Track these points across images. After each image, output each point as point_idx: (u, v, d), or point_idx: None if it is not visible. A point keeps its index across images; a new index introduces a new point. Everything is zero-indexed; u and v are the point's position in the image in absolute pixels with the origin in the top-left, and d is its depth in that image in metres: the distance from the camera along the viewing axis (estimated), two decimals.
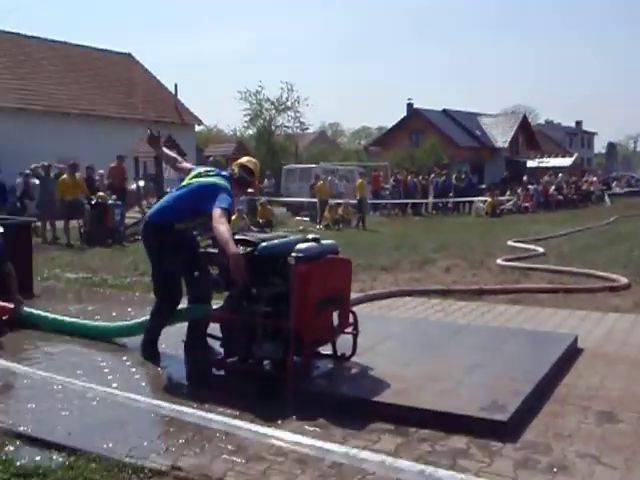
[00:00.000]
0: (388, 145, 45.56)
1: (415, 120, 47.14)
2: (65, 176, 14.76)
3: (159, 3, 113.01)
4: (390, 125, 52.40)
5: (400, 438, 3.74)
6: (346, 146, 64.79)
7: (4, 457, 3.49)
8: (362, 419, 3.97)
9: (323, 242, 4.64)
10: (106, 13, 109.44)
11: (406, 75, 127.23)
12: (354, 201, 21.25)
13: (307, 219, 22.40)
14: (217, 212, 4.58)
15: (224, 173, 5.17)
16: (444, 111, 49.52)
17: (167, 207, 5.08)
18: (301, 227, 18.98)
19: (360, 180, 21.65)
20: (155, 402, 2.69)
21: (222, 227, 4.47)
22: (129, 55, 36.69)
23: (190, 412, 2.54)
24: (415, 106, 48.73)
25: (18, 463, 3.42)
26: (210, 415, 2.50)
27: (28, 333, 6.13)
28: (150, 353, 5.24)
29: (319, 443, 2.21)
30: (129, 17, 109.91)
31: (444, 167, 33.04)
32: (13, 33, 30.62)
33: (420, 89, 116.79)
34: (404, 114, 49.44)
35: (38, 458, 3.50)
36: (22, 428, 3.84)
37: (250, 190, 5.76)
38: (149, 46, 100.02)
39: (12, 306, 6.39)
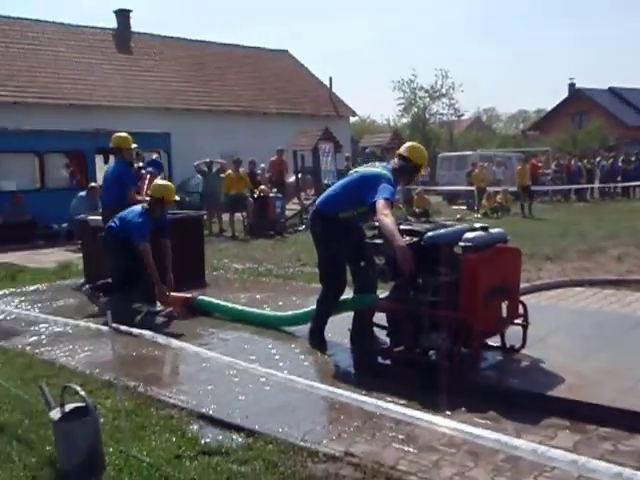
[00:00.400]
0: (548, 129, 43.44)
1: (578, 101, 44.59)
2: (230, 171, 15.47)
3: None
4: (550, 107, 50.09)
5: (578, 435, 3.57)
6: (503, 131, 62.55)
7: (190, 435, 3.74)
8: (535, 414, 3.84)
9: (491, 231, 4.52)
10: (263, 12, 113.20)
11: (567, 54, 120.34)
12: (513, 188, 20.48)
13: (464, 207, 21.93)
14: (380, 203, 4.61)
15: (386, 164, 5.19)
16: (610, 89, 46.42)
17: (332, 196, 5.23)
18: (458, 216, 18.60)
19: (520, 166, 20.78)
20: (330, 389, 2.74)
21: (387, 219, 4.50)
22: (285, 52, 37.77)
23: (365, 400, 2.57)
24: (577, 86, 46.09)
25: (202, 441, 3.65)
26: (383, 403, 2.50)
27: (201, 320, 6.51)
28: (317, 341, 5.38)
29: (496, 435, 2.14)
30: (284, 14, 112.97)
31: (611, 149, 30.97)
32: (180, 38, 32.61)
33: (582, 68, 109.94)
34: (565, 95, 46.96)
35: (220, 437, 3.72)
36: (204, 409, 4.10)
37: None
38: (304, 41, 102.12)
39: (190, 296, 6.83)
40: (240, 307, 6.53)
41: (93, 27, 29.73)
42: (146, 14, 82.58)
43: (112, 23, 30.68)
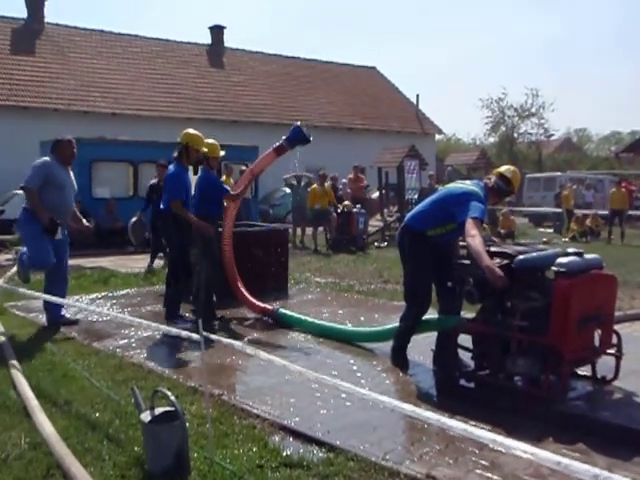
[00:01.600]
0: None
1: None
2: (315, 186, 15.63)
3: (399, 16, 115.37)
4: None
5: None
6: (594, 153, 60.58)
7: (272, 446, 3.78)
8: (627, 449, 3.68)
9: (586, 256, 4.38)
10: (353, 31, 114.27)
11: None
12: (604, 212, 19.74)
13: (550, 230, 21.32)
14: (469, 223, 4.56)
15: (478, 181, 5.14)
16: None
17: (421, 212, 5.23)
18: (544, 239, 18.10)
19: (614, 189, 19.95)
20: (415, 409, 2.71)
21: (474, 240, 4.43)
22: (373, 69, 37.97)
23: (450, 423, 2.53)
24: None
25: (284, 453, 3.68)
26: (469, 427, 2.46)
27: (282, 332, 6.59)
28: (399, 359, 5.35)
29: (588, 467, 2.06)
30: (374, 33, 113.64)
31: None
32: (271, 54, 33.32)
33: None
34: None
35: (301, 451, 3.74)
36: (286, 421, 4.14)
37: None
38: (393, 59, 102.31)
39: (271, 307, 6.93)
40: (319, 322, 6.56)
41: (188, 43, 30.78)
42: (240, 30, 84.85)
43: (207, 39, 31.72)
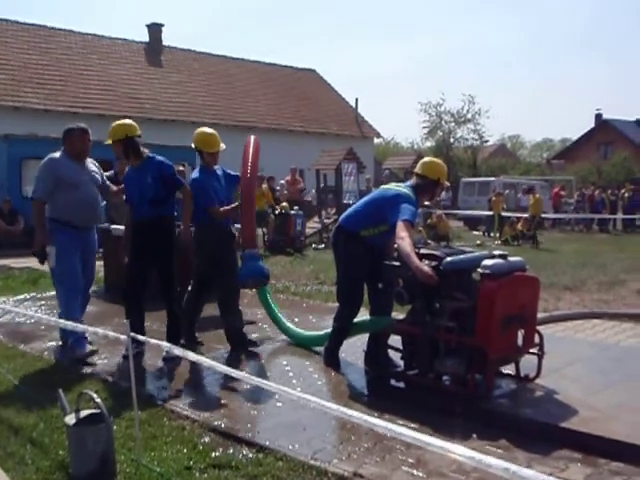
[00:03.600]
0: (573, 158, 43.31)
1: (604, 131, 44.47)
2: None
3: (341, 20, 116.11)
4: (575, 137, 50.01)
5: (590, 469, 3.54)
6: (527, 159, 62.39)
7: (201, 447, 3.77)
8: (547, 445, 3.81)
9: (510, 259, 4.52)
10: (292, 31, 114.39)
11: (594, 84, 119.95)
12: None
13: (484, 233, 21.86)
14: (399, 226, 4.64)
15: (409, 183, 5.22)
16: (638, 121, 46.22)
17: (354, 213, 5.30)
18: (478, 242, 18.56)
19: (532, 195, 20.42)
20: (342, 409, 2.75)
21: (404, 241, 4.52)
22: (313, 71, 38.10)
23: (376, 422, 2.58)
24: (604, 117, 45.92)
25: (213, 454, 3.68)
26: (394, 426, 2.51)
27: (217, 333, 6.53)
28: (332, 360, 5.40)
29: (507, 465, 2.14)
30: (314, 35, 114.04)
31: (637, 182, 30.72)
32: (210, 54, 33.04)
33: (610, 98, 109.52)
34: (591, 125, 46.84)
35: (230, 451, 3.74)
36: (216, 422, 4.13)
37: (426, 203, 5.67)
38: (332, 62, 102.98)
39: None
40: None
41: (125, 40, 30.22)
42: (179, 29, 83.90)
43: (145, 37, 31.20)
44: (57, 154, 5.65)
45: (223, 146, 6.10)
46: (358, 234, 5.13)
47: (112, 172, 8.79)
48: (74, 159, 5.64)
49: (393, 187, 5.20)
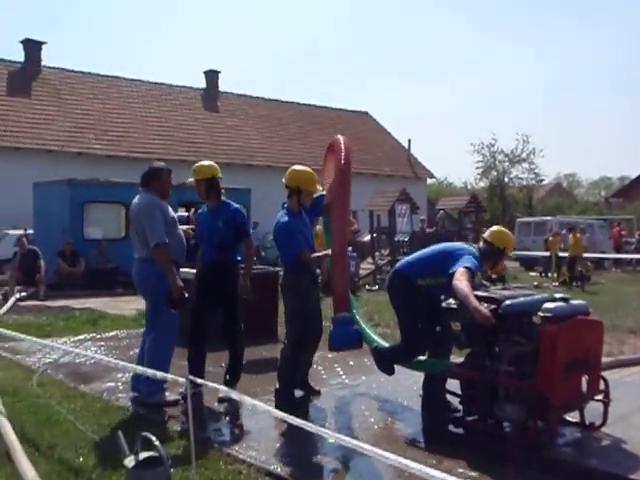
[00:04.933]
0: (632, 196, 42.26)
1: None
2: None
3: (391, 60, 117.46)
4: (634, 175, 48.87)
5: None
6: (584, 198, 61.22)
7: None
8: None
9: (572, 302, 4.41)
10: (345, 75, 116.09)
11: None
12: (593, 255, 19.75)
13: (541, 274, 21.40)
14: (460, 270, 4.55)
15: (475, 245, 5.14)
16: None
17: (414, 259, 5.20)
18: (535, 283, 18.16)
19: (572, 235, 19.68)
20: (399, 459, 2.70)
21: (461, 283, 4.44)
22: (366, 113, 38.49)
23: (433, 473, 2.51)
24: None
25: None
26: (452, 478, 2.44)
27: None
28: (386, 366, 5.34)
29: None
30: (366, 76, 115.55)
31: None
32: (264, 98, 33.79)
33: None
34: None
35: None
36: (272, 467, 4.09)
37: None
38: (384, 103, 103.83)
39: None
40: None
41: (183, 86, 31.19)
42: (234, 74, 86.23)
43: (202, 83, 32.13)
44: (150, 195, 5.47)
45: (320, 189, 6.00)
46: (415, 282, 4.99)
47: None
48: (162, 198, 5.55)
49: (459, 243, 5.17)
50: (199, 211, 6.25)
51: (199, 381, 3.70)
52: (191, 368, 5.01)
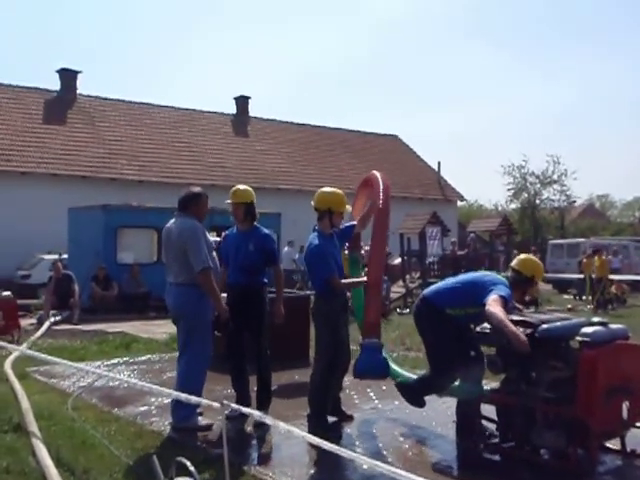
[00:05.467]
0: None
1: None
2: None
3: (420, 83, 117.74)
4: None
5: None
6: (618, 219, 60.28)
7: None
8: None
9: (611, 326, 4.33)
10: (374, 99, 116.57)
11: None
12: (628, 277, 19.41)
13: (575, 297, 21.06)
14: (493, 297, 4.47)
15: (504, 274, 5.09)
16: None
17: (444, 289, 5.05)
18: (569, 306, 17.88)
19: (597, 257, 19.30)
20: None
21: (495, 308, 4.36)
22: (395, 137, 38.56)
23: None
24: None
25: None
26: None
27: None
28: (416, 399, 5.20)
29: None
30: (395, 100, 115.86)
31: None
32: (293, 123, 34.07)
33: None
34: None
35: None
36: None
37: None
38: (414, 125, 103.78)
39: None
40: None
41: (214, 112, 31.61)
42: (264, 99, 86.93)
43: (232, 108, 32.55)
44: (190, 219, 5.45)
45: (349, 208, 5.95)
46: (443, 311, 4.86)
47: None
48: (200, 222, 5.54)
49: (489, 273, 5.11)
50: (226, 232, 6.27)
51: (233, 406, 3.69)
52: (236, 391, 5.67)
